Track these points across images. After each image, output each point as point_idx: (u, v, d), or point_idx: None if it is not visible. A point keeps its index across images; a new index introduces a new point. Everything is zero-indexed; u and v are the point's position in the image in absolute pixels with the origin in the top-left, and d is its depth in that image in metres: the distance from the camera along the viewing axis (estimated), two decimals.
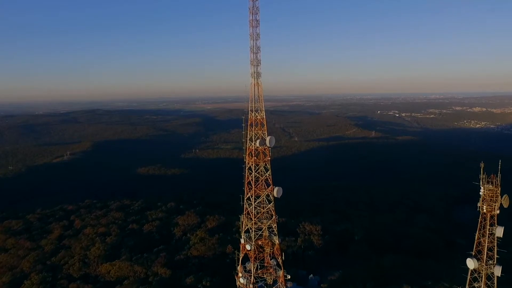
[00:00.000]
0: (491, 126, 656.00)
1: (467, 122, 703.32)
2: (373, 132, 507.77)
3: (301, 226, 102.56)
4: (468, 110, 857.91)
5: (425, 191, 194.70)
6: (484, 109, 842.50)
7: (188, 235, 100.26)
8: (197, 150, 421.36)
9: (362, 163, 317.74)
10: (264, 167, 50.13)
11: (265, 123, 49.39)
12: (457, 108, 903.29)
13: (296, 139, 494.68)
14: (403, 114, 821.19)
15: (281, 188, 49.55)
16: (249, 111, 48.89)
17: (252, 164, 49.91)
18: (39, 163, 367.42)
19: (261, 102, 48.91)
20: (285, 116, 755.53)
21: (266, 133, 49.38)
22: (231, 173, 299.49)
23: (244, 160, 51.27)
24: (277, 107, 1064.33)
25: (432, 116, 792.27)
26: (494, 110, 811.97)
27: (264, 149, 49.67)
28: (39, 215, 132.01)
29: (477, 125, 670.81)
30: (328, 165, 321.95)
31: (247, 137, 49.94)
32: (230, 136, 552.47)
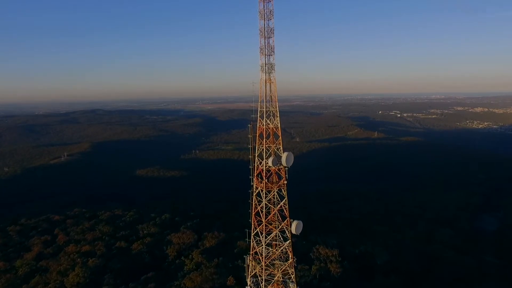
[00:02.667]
0: (494, 126, 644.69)
1: (469, 122, 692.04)
2: (376, 133, 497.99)
3: (315, 250, 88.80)
4: (470, 110, 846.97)
5: (443, 199, 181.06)
6: (486, 109, 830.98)
7: (183, 258, 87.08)
8: (197, 151, 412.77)
9: (367, 165, 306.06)
10: (278, 193, 37.87)
11: (280, 134, 37.36)
12: (459, 109, 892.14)
13: (297, 140, 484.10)
14: (405, 115, 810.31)
15: (301, 222, 37.81)
16: (258, 118, 37.05)
17: (262, 190, 37.67)
18: (36, 165, 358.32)
19: (275, 105, 37.00)
20: (286, 116, 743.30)
21: (282, 148, 37.19)
22: (231, 175, 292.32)
23: (251, 183, 38.73)
24: (278, 107, 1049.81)
25: (434, 116, 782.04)
26: (496, 110, 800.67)
27: (279, 169, 37.50)
28: (21, 226, 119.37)
29: (480, 126, 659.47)
30: (332, 167, 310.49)
31: (254, 152, 37.77)
32: (231, 137, 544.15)
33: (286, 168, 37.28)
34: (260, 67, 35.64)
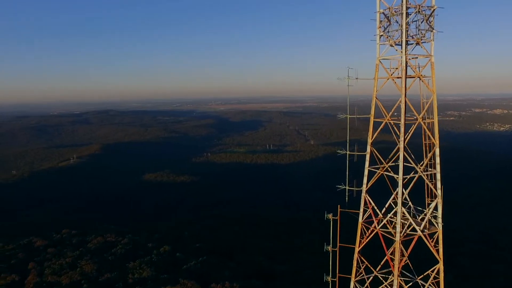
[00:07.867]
0: None
1: (489, 125, 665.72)
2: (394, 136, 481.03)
3: None
4: (489, 112, 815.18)
5: (506, 225, 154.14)
6: (505, 111, 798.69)
7: None
8: (209, 154, 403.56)
9: None
10: None
11: (441, 233, 19.45)
12: (477, 110, 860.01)
13: (312, 142, 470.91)
14: None
15: None
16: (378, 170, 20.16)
17: None
18: (44, 168, 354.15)
19: (435, 141, 19.02)
20: (299, 118, 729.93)
21: (443, 275, 20.38)
22: (243, 183, 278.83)
23: None
24: (290, 108, 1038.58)
25: (451, 118, 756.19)
26: None
27: None
28: None
29: (501, 128, 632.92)
30: (355, 175, 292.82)
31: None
32: (243, 139, 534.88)
33: None
34: (378, 32, 15.82)
